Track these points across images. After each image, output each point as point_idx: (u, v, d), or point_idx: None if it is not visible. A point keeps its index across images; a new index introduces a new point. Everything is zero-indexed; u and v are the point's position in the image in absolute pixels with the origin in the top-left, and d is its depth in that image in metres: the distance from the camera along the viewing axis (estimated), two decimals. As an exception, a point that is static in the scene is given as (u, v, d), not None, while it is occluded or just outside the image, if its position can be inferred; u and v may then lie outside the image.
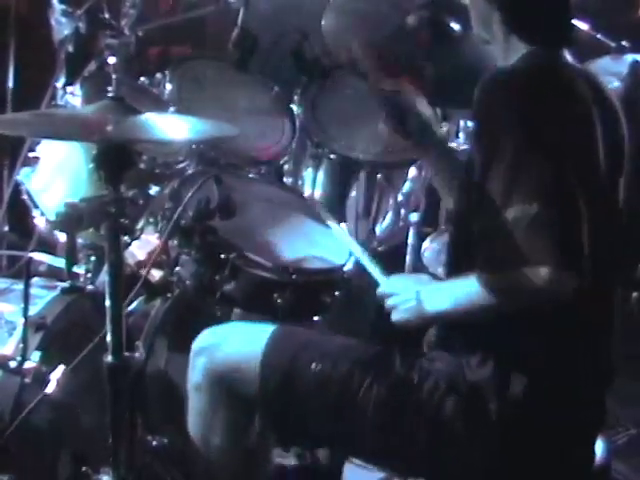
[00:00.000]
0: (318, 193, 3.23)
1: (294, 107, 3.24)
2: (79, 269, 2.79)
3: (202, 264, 2.46)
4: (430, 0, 2.79)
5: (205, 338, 2.25)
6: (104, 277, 2.01)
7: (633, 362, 2.95)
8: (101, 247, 2.30)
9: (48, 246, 3.05)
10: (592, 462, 2.10)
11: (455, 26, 2.82)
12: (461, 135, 3.44)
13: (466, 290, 1.94)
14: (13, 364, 2.27)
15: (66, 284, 2.57)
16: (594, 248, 1.92)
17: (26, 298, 2.29)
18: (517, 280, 1.84)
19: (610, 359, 2.07)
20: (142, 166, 2.79)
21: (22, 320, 2.30)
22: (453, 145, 3.27)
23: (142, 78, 3.17)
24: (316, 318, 2.56)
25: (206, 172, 2.58)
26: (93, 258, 2.85)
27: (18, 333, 2.34)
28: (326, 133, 3.22)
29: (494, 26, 2.05)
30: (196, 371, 2.20)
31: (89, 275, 2.84)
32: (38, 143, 2.93)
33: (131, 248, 2.60)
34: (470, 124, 3.25)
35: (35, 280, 2.54)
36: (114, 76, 2.92)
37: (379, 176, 3.36)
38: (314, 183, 3.23)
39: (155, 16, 3.84)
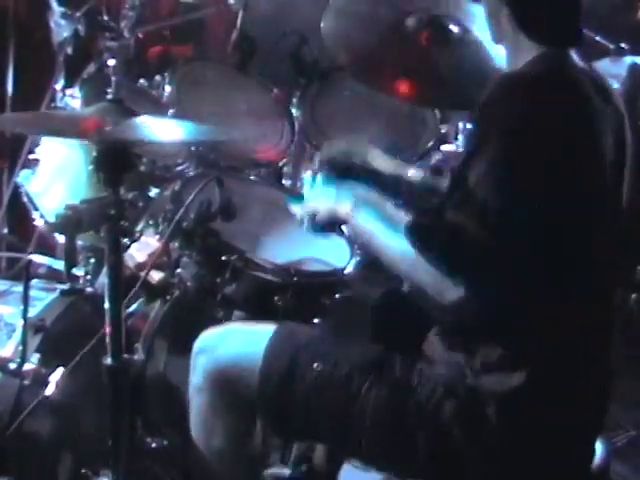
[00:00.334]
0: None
1: (293, 109, 3.25)
2: (78, 271, 2.79)
3: (203, 266, 2.46)
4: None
5: (206, 339, 2.23)
6: (103, 279, 2.02)
7: (633, 363, 2.96)
8: (101, 249, 2.30)
9: (47, 248, 3.05)
10: (590, 464, 2.10)
11: (454, 28, 2.82)
12: (460, 137, 3.43)
13: (396, 237, 1.96)
14: (12, 366, 2.28)
15: (65, 286, 2.57)
16: (593, 251, 1.93)
17: (25, 300, 2.29)
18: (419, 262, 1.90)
19: (609, 361, 2.07)
20: (142, 168, 2.79)
21: (21, 322, 2.30)
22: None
23: (141, 80, 3.17)
24: (316, 320, 2.56)
25: (207, 174, 2.58)
26: (92, 260, 2.85)
27: (17, 335, 2.35)
28: (325, 135, 3.22)
29: (503, 23, 2.04)
30: (197, 372, 2.19)
31: (88, 277, 2.84)
32: (37, 145, 2.93)
33: (130, 250, 2.60)
34: (470, 126, 3.24)
35: (34, 282, 2.54)
36: (113, 78, 2.92)
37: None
38: (313, 185, 3.22)
39: (155, 19, 3.84)
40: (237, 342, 2.19)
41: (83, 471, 2.33)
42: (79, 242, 2.81)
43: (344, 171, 2.38)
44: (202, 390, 2.18)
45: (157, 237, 2.57)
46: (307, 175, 2.35)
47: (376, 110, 3.29)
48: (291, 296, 2.46)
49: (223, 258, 2.44)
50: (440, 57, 2.81)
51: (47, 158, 2.90)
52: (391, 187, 2.31)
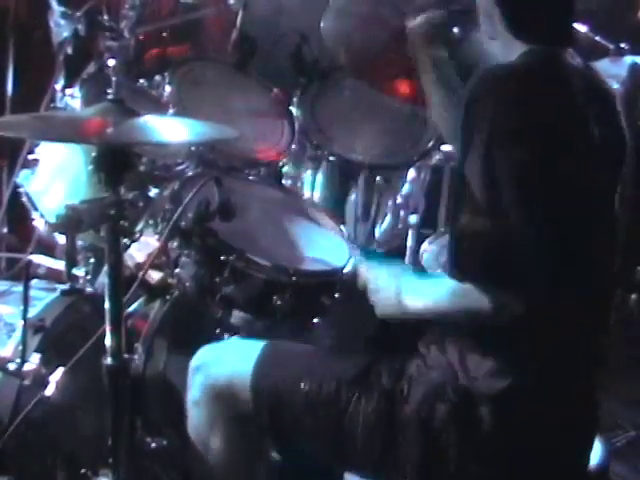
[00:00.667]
0: (317, 195, 3.23)
1: (293, 109, 3.24)
2: (78, 271, 2.79)
3: (202, 266, 2.46)
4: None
5: (202, 355, 2.28)
6: (103, 279, 2.01)
7: (633, 363, 2.96)
8: (101, 249, 2.30)
9: (47, 248, 3.05)
10: (587, 465, 2.09)
11: (455, 28, 2.82)
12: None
13: (438, 293, 1.97)
14: (12, 366, 2.27)
15: (65, 286, 2.57)
16: (593, 251, 1.93)
17: (25, 300, 2.29)
18: (464, 296, 1.90)
19: (605, 362, 2.07)
20: (141, 168, 2.79)
21: (21, 322, 2.30)
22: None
23: (141, 80, 3.17)
24: (315, 320, 2.56)
25: (206, 174, 2.57)
26: (92, 260, 2.85)
27: (17, 335, 2.35)
28: (325, 135, 3.22)
29: (496, 22, 2.05)
30: (194, 388, 2.23)
31: (88, 277, 2.84)
32: (37, 145, 2.93)
33: (130, 250, 2.60)
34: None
35: (34, 282, 2.54)
36: (114, 78, 2.92)
37: (378, 178, 3.35)
38: (313, 185, 3.23)
39: (155, 19, 3.84)
40: (230, 359, 2.22)
41: (83, 471, 2.33)
42: (79, 242, 2.80)
43: None
44: (199, 404, 2.22)
45: (157, 237, 2.57)
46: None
47: (376, 110, 3.29)
48: (290, 296, 2.46)
49: (222, 258, 2.44)
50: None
51: (47, 158, 2.90)
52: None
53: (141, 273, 2.29)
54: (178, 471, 2.61)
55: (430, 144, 3.26)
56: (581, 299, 1.95)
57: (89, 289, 2.69)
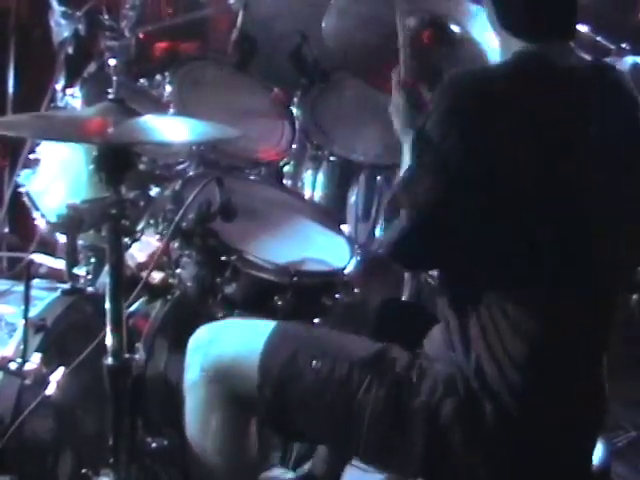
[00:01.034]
0: (318, 195, 3.24)
1: (294, 109, 3.24)
2: (79, 271, 2.79)
3: (203, 266, 2.46)
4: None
5: (201, 335, 2.21)
6: (105, 279, 2.01)
7: (633, 363, 2.96)
8: (102, 249, 2.30)
9: (48, 248, 3.05)
10: (590, 464, 2.10)
11: (455, 28, 2.82)
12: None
13: None
14: (13, 366, 2.27)
15: (67, 286, 2.57)
16: (593, 251, 1.93)
17: (26, 300, 2.28)
18: None
19: (605, 360, 2.07)
20: (142, 168, 2.79)
21: (22, 322, 2.29)
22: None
23: (142, 80, 3.17)
24: (316, 320, 2.56)
25: (207, 174, 2.58)
26: (93, 260, 2.85)
27: (18, 335, 2.34)
28: (326, 135, 3.23)
29: (494, 20, 2.05)
30: (192, 369, 2.17)
31: (89, 277, 2.84)
32: (38, 145, 2.93)
33: (131, 250, 2.61)
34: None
35: (35, 282, 2.54)
36: (114, 78, 2.92)
37: (379, 178, 3.36)
38: (314, 185, 3.23)
39: (156, 19, 3.84)
40: (235, 338, 2.17)
41: (84, 471, 2.32)
42: (80, 241, 2.80)
43: None
44: (198, 386, 2.15)
45: (157, 237, 2.57)
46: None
47: (377, 110, 3.29)
48: (291, 296, 2.46)
49: (223, 258, 2.44)
50: (441, 57, 2.81)
51: (48, 157, 2.90)
52: None
53: (144, 275, 2.29)
54: (178, 471, 2.61)
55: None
56: (581, 299, 1.95)
57: (90, 289, 2.69)
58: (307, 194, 3.21)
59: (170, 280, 2.60)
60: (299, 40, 3.30)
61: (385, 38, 2.73)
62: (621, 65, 3.21)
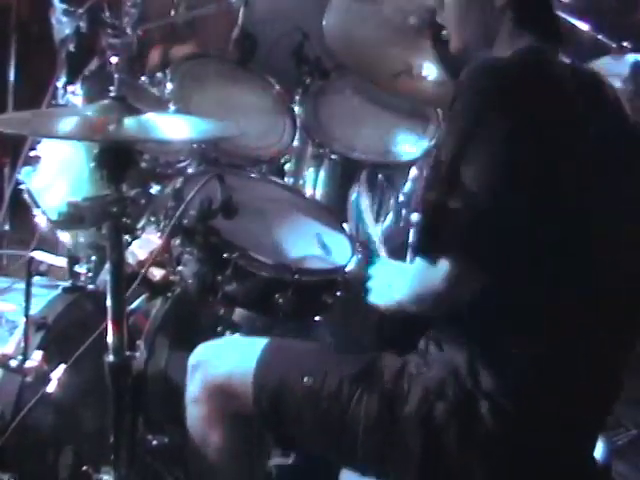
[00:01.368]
0: (319, 193, 3.23)
1: (295, 107, 3.24)
2: (80, 268, 2.79)
3: (204, 264, 2.46)
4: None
5: (201, 352, 2.28)
6: (105, 276, 2.01)
7: (634, 362, 2.95)
8: (102, 246, 2.30)
9: (49, 245, 3.05)
10: (591, 463, 2.09)
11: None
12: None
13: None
14: (14, 363, 2.27)
15: (67, 283, 2.57)
16: (593, 251, 1.92)
17: (27, 297, 2.29)
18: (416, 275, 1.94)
19: (614, 361, 2.06)
20: (143, 165, 2.79)
21: (23, 319, 2.30)
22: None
23: (143, 77, 3.17)
24: (317, 318, 2.56)
25: (208, 172, 2.57)
26: (94, 257, 2.85)
27: (19, 332, 2.34)
28: (327, 133, 3.22)
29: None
30: (193, 385, 2.23)
31: (90, 274, 2.84)
32: (39, 142, 2.93)
33: (132, 247, 2.61)
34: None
35: (36, 279, 2.54)
36: (116, 75, 2.92)
37: (380, 176, 3.35)
38: (315, 183, 3.23)
39: (156, 16, 3.84)
40: (231, 357, 2.23)
41: (84, 468, 2.32)
42: (81, 239, 2.81)
43: None
44: (198, 402, 2.22)
45: (158, 234, 2.57)
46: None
47: (378, 108, 3.29)
48: (292, 294, 2.46)
49: (224, 256, 2.44)
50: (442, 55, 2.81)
51: (49, 155, 2.90)
52: None
53: (143, 270, 2.29)
54: (179, 468, 2.61)
55: (432, 142, 3.26)
56: (581, 299, 1.95)
57: (91, 286, 2.69)
58: (308, 192, 3.20)
59: (171, 277, 2.60)
60: (300, 38, 3.30)
61: (385, 36, 2.74)
62: (622, 63, 3.21)
